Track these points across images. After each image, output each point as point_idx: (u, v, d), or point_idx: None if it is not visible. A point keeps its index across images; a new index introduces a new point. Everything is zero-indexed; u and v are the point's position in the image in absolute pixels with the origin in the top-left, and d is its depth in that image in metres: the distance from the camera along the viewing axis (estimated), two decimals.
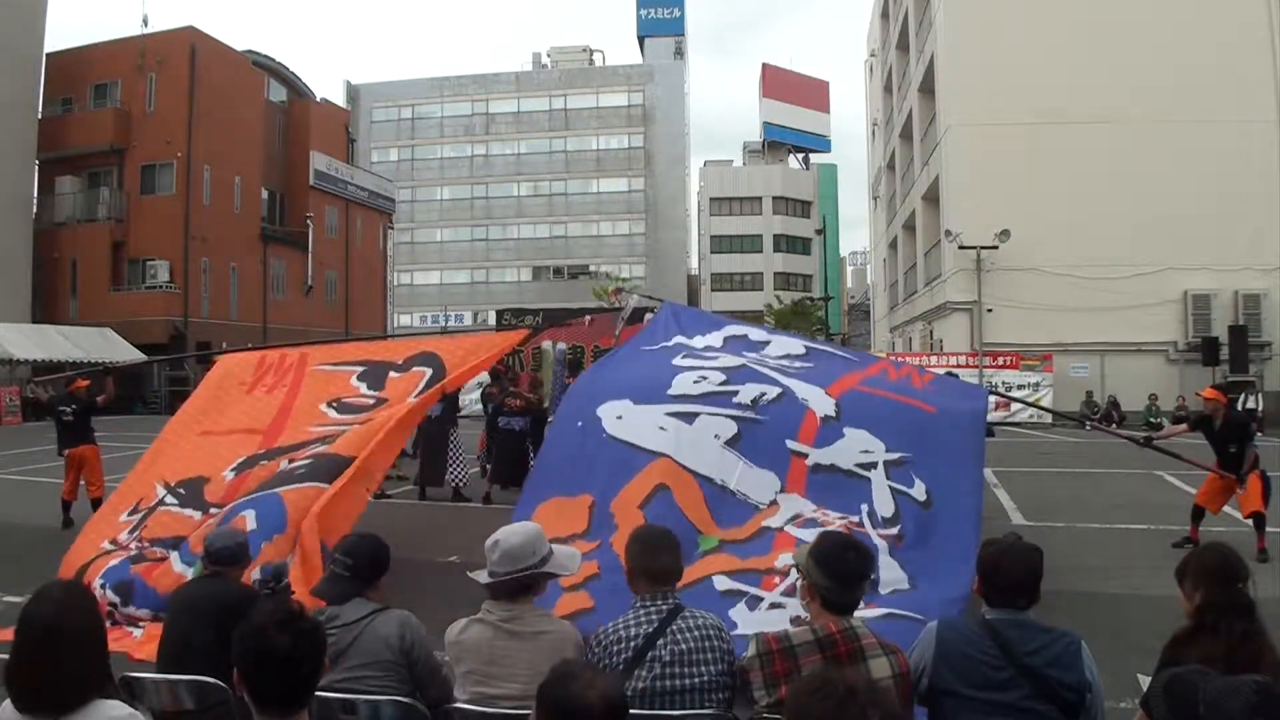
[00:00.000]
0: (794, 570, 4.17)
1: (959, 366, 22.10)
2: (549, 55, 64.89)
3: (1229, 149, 21.40)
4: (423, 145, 62.08)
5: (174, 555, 5.47)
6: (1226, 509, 8.10)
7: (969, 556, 3.72)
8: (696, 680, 2.43)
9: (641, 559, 2.63)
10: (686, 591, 3.83)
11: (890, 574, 4.42)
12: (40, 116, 30.09)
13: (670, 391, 5.38)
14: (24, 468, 13.23)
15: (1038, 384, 21.76)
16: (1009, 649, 2.24)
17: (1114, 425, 21.15)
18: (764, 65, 60.47)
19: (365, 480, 5.93)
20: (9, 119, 27.64)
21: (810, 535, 4.17)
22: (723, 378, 5.50)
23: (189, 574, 4.93)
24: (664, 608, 2.54)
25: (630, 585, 2.63)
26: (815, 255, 54.75)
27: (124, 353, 26.51)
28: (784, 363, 5.98)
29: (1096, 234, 21.86)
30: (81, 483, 8.82)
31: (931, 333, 27.90)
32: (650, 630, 2.47)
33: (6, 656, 1.84)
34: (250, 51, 34.84)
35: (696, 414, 5.20)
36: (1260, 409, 18.00)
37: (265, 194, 34.94)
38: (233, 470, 6.18)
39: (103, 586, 5.26)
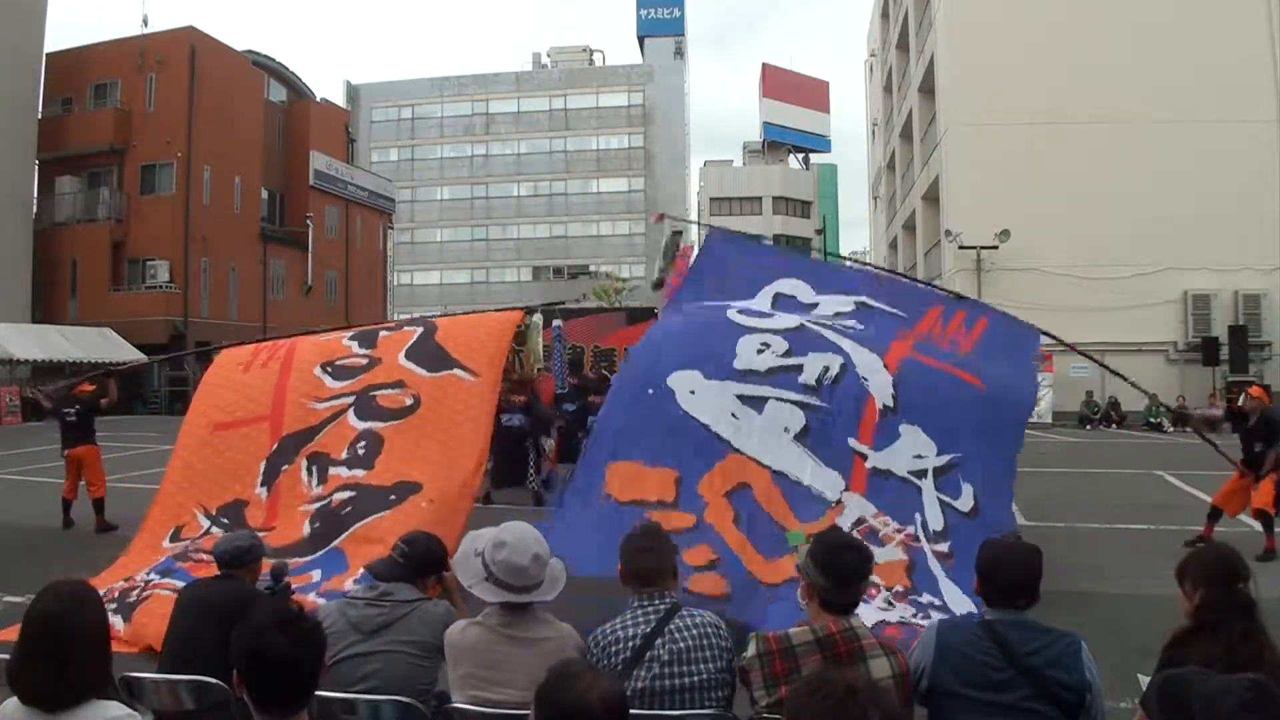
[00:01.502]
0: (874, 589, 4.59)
1: None
2: (549, 55, 64.90)
3: (1229, 149, 21.40)
4: (423, 145, 62.08)
5: None
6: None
7: None
8: (696, 679, 2.43)
9: (629, 560, 2.64)
10: (783, 587, 4.36)
11: (952, 594, 4.54)
12: (40, 116, 30.09)
13: (737, 365, 5.39)
14: (24, 468, 13.23)
15: (1038, 384, 21.77)
16: (1009, 649, 2.24)
17: (1114, 425, 21.19)
18: (764, 65, 60.42)
19: (447, 504, 5.63)
20: (9, 119, 27.63)
21: (876, 552, 4.24)
22: (785, 346, 5.49)
23: None
24: (661, 607, 2.54)
25: (623, 583, 2.65)
26: (815, 255, 54.78)
27: (124, 353, 26.51)
28: (837, 322, 5.95)
29: (1096, 234, 21.86)
30: (83, 483, 8.83)
31: None
32: (648, 630, 2.47)
33: (7, 656, 1.85)
34: (250, 51, 34.85)
35: (765, 399, 5.25)
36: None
37: (265, 194, 34.94)
38: (262, 485, 6.08)
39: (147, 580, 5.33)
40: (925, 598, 4.65)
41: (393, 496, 5.72)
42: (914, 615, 4.51)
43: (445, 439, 5.98)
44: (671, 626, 2.49)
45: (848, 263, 6.30)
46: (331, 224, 38.56)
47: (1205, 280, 22.27)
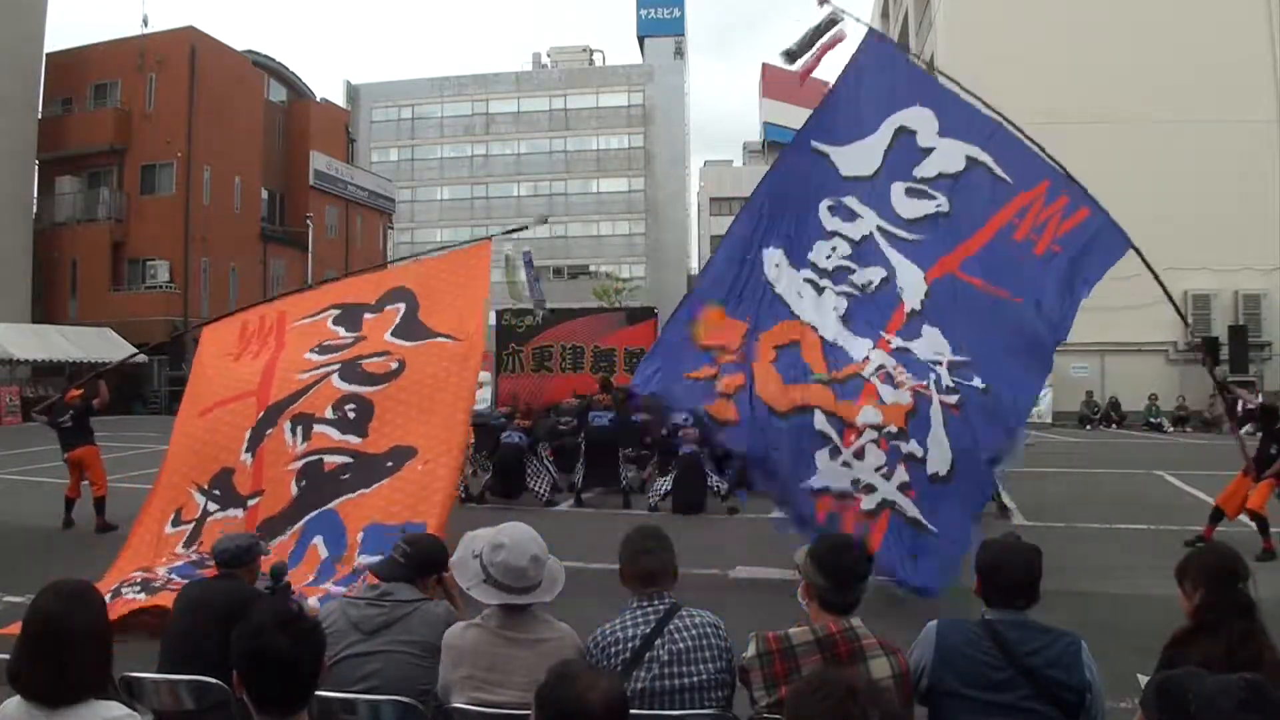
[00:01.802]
0: (867, 430, 5.76)
1: None
2: (549, 55, 64.90)
3: (1229, 149, 21.39)
4: (423, 145, 62.06)
5: None
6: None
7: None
8: (695, 679, 2.43)
9: (628, 561, 2.64)
10: (793, 417, 5.90)
11: (937, 452, 5.64)
12: (40, 116, 30.08)
13: (810, 257, 6.52)
14: (24, 468, 13.24)
15: None
16: (1009, 649, 2.24)
17: (1114, 425, 21.18)
18: (764, 65, 60.35)
19: (441, 463, 5.86)
20: (9, 119, 27.63)
21: (888, 392, 5.82)
22: (848, 250, 6.50)
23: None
24: (660, 608, 2.53)
25: (623, 584, 2.65)
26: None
27: (124, 353, 26.48)
28: (922, 205, 6.52)
29: None
30: (84, 483, 8.85)
31: None
32: (648, 631, 2.47)
33: (8, 656, 1.85)
34: (250, 51, 34.84)
35: (824, 288, 6.42)
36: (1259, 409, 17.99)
37: (265, 194, 34.94)
38: (247, 451, 6.22)
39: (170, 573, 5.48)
40: (908, 447, 5.70)
41: (390, 464, 5.90)
42: (877, 470, 5.70)
43: (433, 402, 6.14)
44: (671, 627, 2.49)
45: (985, 111, 6.60)
46: (331, 224, 38.55)
47: (1205, 280, 22.26)
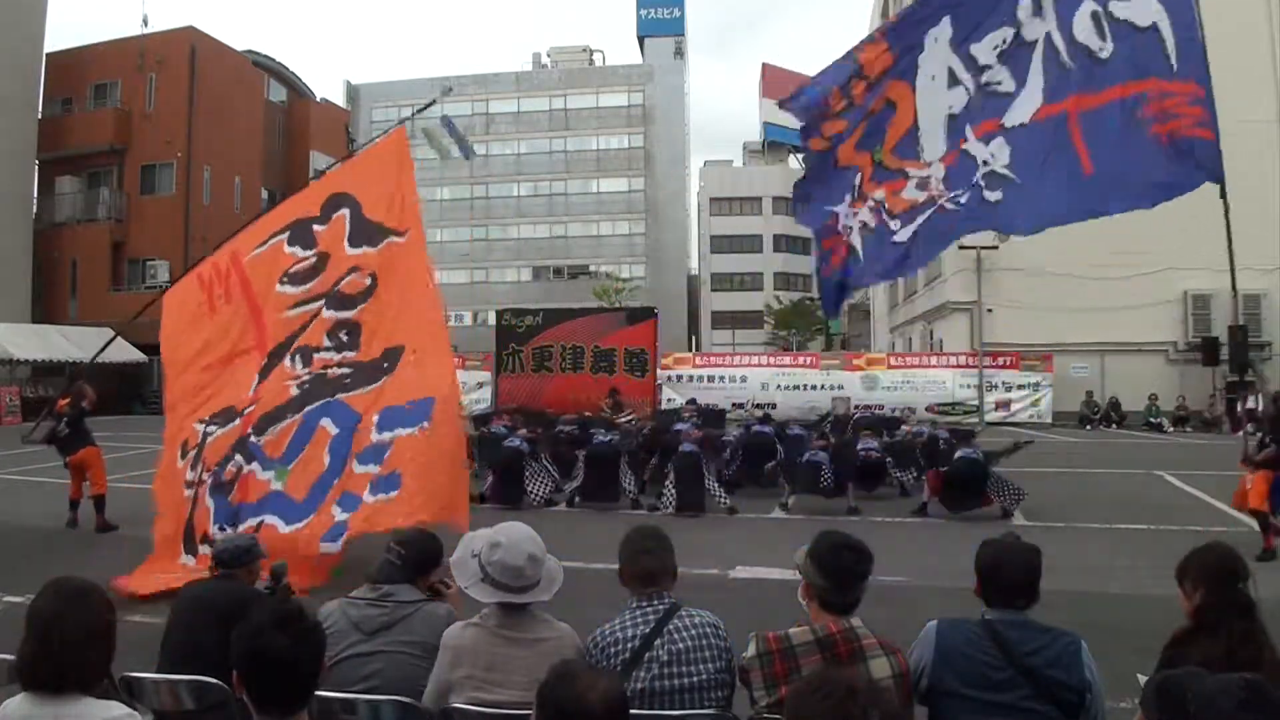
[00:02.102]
0: (908, 187, 6.53)
1: (959, 367, 22.12)
2: (549, 55, 64.89)
3: (1229, 149, 21.18)
4: (423, 145, 61.85)
5: (254, 466, 6.36)
6: (1221, 506, 8.09)
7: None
8: (695, 679, 2.43)
9: (628, 561, 2.64)
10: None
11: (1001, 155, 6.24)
12: (40, 116, 30.09)
13: (972, 49, 6.62)
14: (24, 468, 13.24)
15: (1038, 384, 21.76)
16: (1009, 649, 2.24)
17: (1114, 425, 21.19)
18: (764, 65, 60.50)
19: (429, 349, 6.57)
20: (9, 119, 27.63)
21: (908, 191, 6.60)
22: (1006, 46, 6.57)
23: (273, 480, 6.25)
24: (660, 608, 2.53)
25: (623, 584, 2.65)
26: (815, 255, 54.72)
27: (124, 353, 26.47)
28: (1094, 38, 6.50)
29: (1096, 234, 21.70)
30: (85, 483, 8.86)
31: (932, 333, 27.91)
32: (647, 631, 2.47)
33: (11, 656, 1.86)
34: (250, 51, 34.85)
35: (960, 82, 6.62)
36: (1260, 409, 17.99)
37: (265, 194, 34.91)
38: (254, 391, 6.80)
39: (221, 529, 6.05)
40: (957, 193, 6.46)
41: (385, 364, 6.53)
42: (917, 197, 6.52)
43: (405, 300, 6.79)
44: (671, 627, 2.49)
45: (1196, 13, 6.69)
46: None
47: (1205, 280, 22.24)
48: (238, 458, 6.41)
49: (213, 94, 30.68)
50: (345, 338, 6.78)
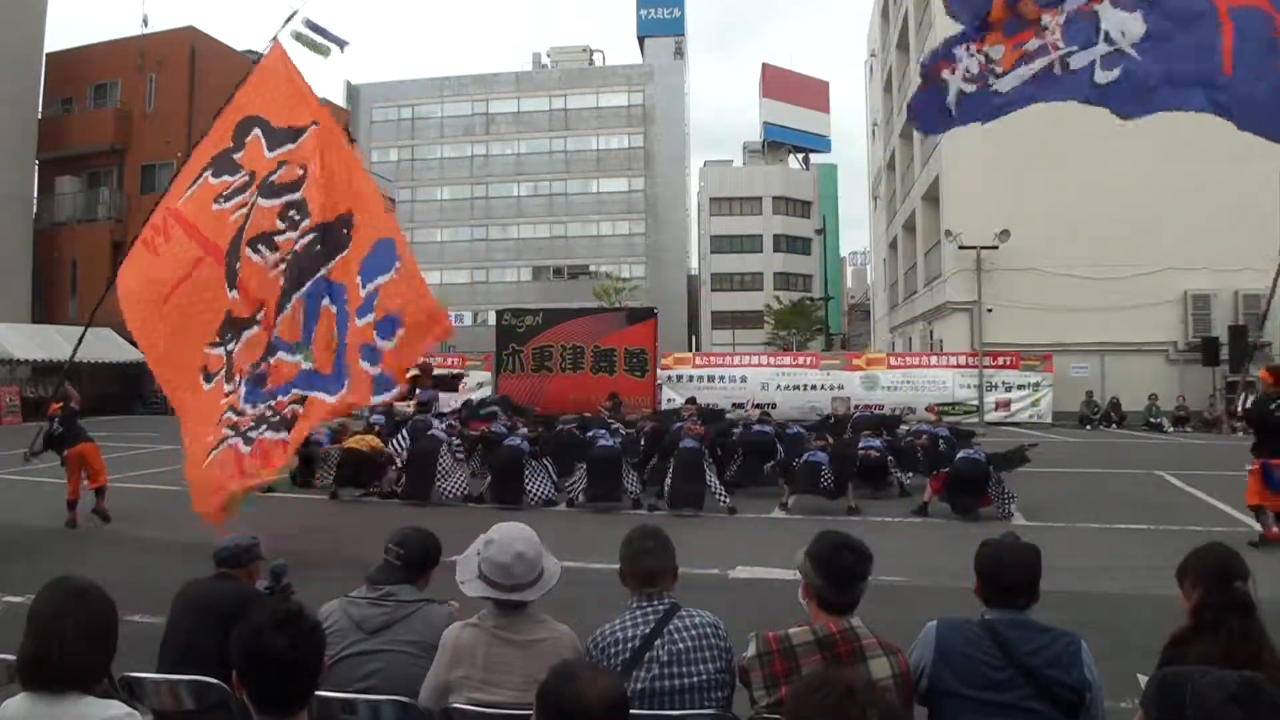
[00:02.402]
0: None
1: (959, 366, 22.11)
2: (549, 55, 64.87)
3: (1229, 149, 21.33)
4: (423, 145, 62.04)
5: (280, 355, 6.89)
6: (1221, 506, 8.11)
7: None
8: (695, 679, 2.43)
9: (629, 561, 2.64)
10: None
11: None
12: (40, 116, 30.07)
13: None
14: (24, 468, 13.20)
15: (1038, 384, 21.75)
16: (1008, 649, 2.24)
17: (1114, 425, 21.19)
18: (764, 65, 60.48)
19: (367, 212, 7.31)
20: (9, 119, 27.62)
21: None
22: None
23: (302, 361, 6.81)
24: (660, 608, 2.53)
25: (623, 584, 2.66)
26: (815, 255, 54.73)
27: (124, 353, 26.46)
28: None
29: (1096, 234, 21.85)
30: (84, 483, 8.93)
31: (931, 333, 27.91)
32: (647, 631, 2.47)
33: (11, 656, 1.86)
34: (250, 51, 34.77)
35: None
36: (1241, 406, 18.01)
37: None
38: (231, 290, 7.33)
39: (253, 405, 6.75)
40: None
41: (344, 230, 7.13)
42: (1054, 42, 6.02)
43: (335, 175, 7.40)
44: (671, 627, 2.49)
45: None
46: None
47: (1205, 280, 22.27)
48: (267, 358, 7.03)
49: (213, 94, 30.52)
50: (296, 215, 7.36)
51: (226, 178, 7.75)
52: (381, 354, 6.65)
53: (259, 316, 7.14)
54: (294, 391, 6.72)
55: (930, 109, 6.77)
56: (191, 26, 31.94)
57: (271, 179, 7.52)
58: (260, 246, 7.33)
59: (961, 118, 6.62)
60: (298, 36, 8.33)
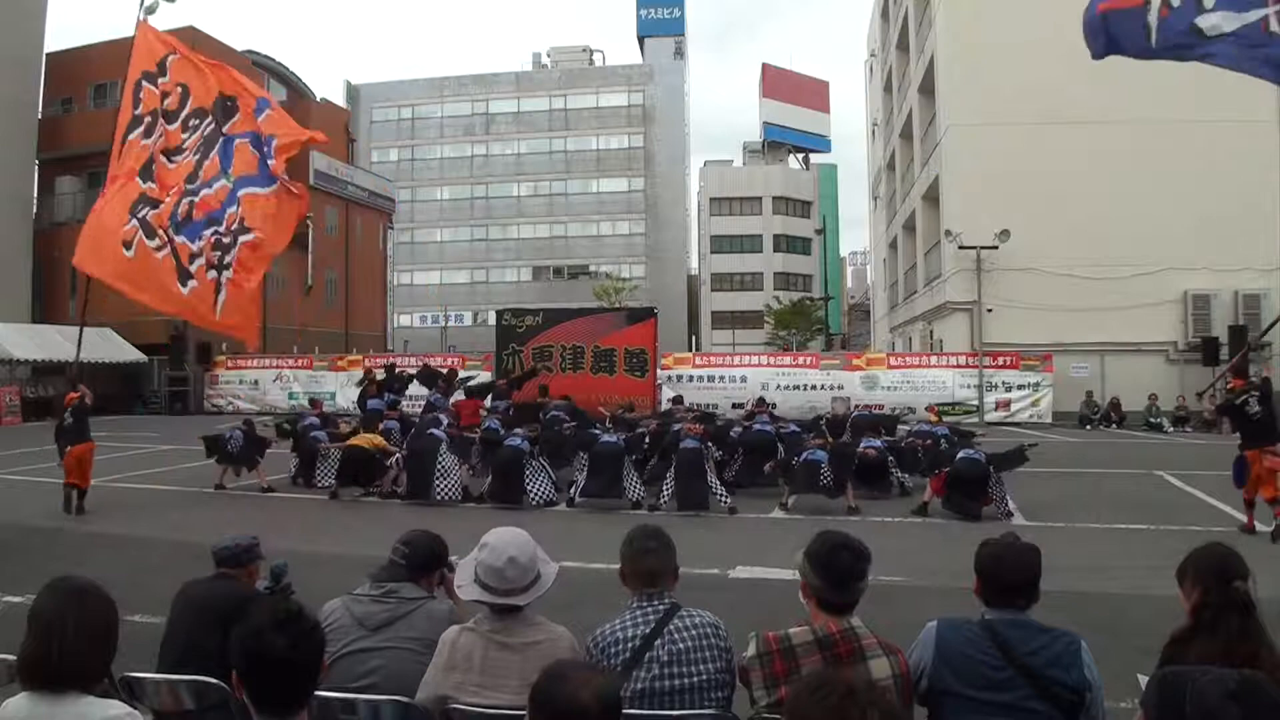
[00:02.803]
0: None
1: (959, 366, 22.11)
2: (549, 55, 64.90)
3: (1229, 148, 21.39)
4: (423, 145, 62.07)
5: (202, 191, 9.62)
6: (1221, 506, 8.12)
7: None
8: (695, 679, 2.43)
9: (629, 561, 2.64)
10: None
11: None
12: (40, 116, 30.08)
13: None
14: (24, 468, 13.24)
15: (1038, 384, 21.74)
16: (1008, 649, 2.24)
17: (1114, 425, 21.19)
18: (764, 65, 60.52)
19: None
20: (9, 119, 27.63)
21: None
22: None
23: (226, 182, 9.57)
24: (660, 608, 2.53)
25: (624, 584, 2.65)
26: (815, 255, 54.76)
27: (124, 353, 26.51)
28: None
29: (1096, 234, 21.85)
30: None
31: (931, 333, 27.91)
32: (647, 631, 2.47)
33: (11, 656, 1.87)
34: (250, 51, 34.85)
35: None
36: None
37: None
38: (149, 183, 9.78)
39: (200, 237, 9.53)
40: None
41: (229, 103, 9.67)
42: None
43: (204, 74, 9.91)
44: (671, 627, 2.48)
45: None
46: (331, 224, 38.51)
47: (1205, 280, 22.27)
48: (184, 201, 9.43)
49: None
50: (196, 121, 9.73)
51: (139, 131, 9.90)
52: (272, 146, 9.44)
53: (173, 191, 9.51)
54: (230, 211, 9.22)
55: (1133, 25, 5.94)
56: (191, 26, 31.90)
57: (164, 107, 9.83)
58: (174, 157, 9.68)
59: (1160, 48, 5.83)
60: (150, 9, 10.95)
